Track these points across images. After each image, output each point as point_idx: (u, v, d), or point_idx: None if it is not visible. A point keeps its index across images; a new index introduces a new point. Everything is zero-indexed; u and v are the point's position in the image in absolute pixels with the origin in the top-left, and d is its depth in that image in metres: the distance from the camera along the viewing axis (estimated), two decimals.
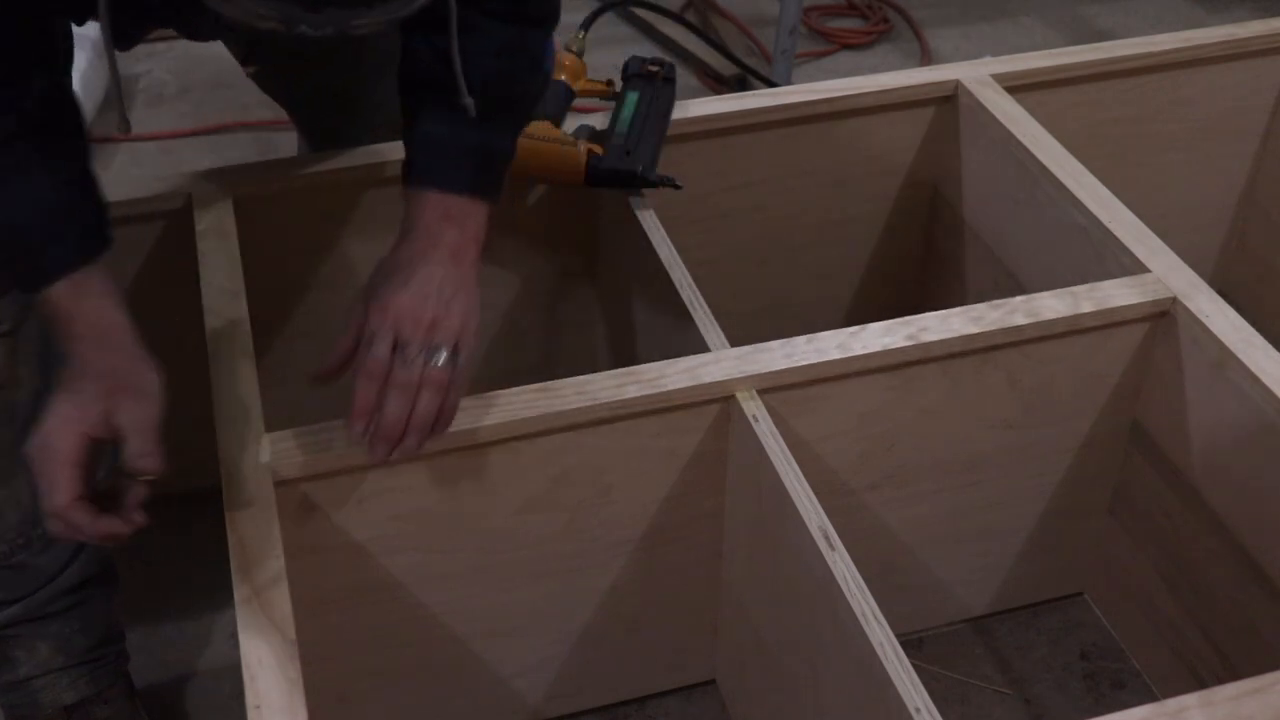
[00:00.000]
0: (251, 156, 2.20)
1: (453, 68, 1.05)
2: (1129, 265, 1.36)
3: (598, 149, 1.43)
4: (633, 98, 1.51)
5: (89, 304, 1.03)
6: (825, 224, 1.71)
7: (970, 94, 1.61)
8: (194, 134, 2.26)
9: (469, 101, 1.08)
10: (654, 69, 1.55)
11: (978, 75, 1.63)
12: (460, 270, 1.12)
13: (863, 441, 1.31)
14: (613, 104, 1.52)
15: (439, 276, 1.10)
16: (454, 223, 1.13)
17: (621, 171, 1.42)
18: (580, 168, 1.42)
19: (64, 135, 1.07)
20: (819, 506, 1.12)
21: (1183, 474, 1.36)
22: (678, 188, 1.43)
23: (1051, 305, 1.30)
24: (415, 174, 1.13)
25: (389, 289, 1.09)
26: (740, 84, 2.47)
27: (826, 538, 1.09)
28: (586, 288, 1.67)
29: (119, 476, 1.03)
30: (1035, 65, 1.66)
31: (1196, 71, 1.72)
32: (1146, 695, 1.47)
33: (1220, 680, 1.26)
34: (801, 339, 1.26)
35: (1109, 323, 1.32)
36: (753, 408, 1.20)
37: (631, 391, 1.19)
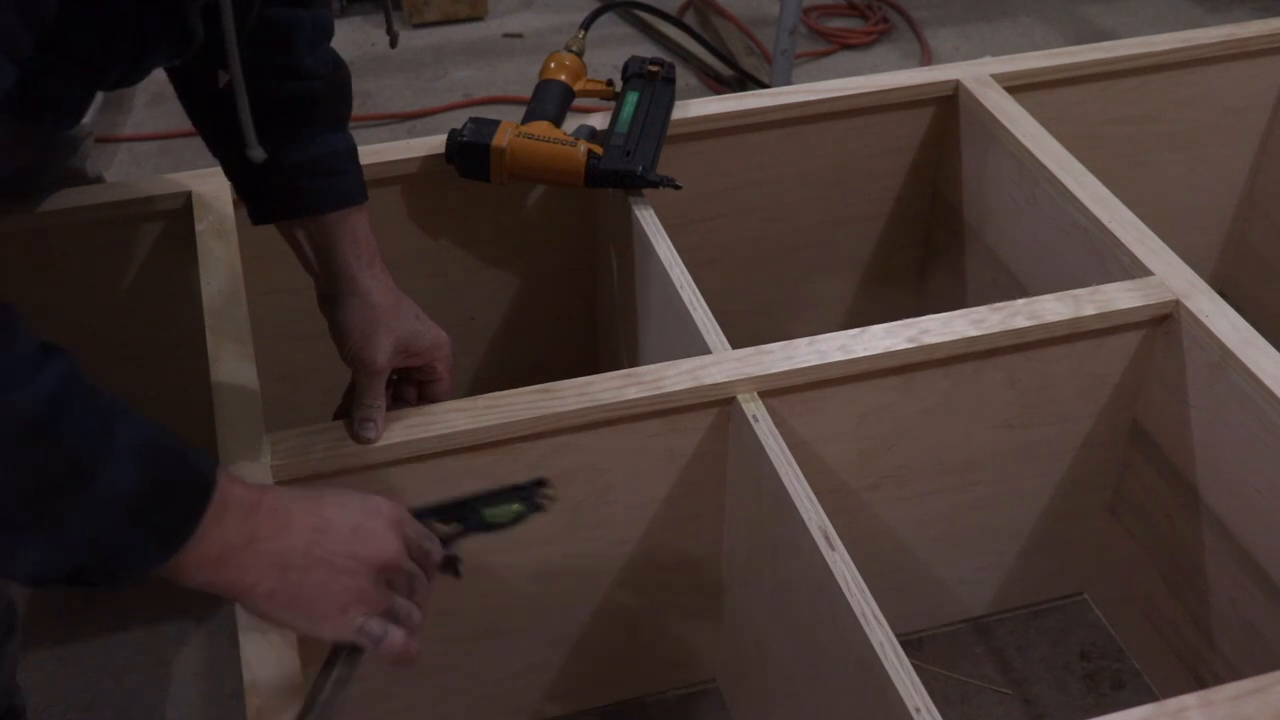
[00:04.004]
0: None
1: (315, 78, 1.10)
2: (1129, 265, 1.36)
3: (598, 149, 1.43)
4: (633, 98, 1.51)
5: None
6: (825, 224, 1.71)
7: (970, 94, 1.61)
8: (194, 134, 2.26)
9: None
10: (654, 69, 1.55)
11: (978, 75, 1.63)
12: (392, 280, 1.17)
13: (863, 442, 1.31)
14: (613, 104, 1.52)
15: (405, 302, 1.15)
16: (369, 234, 1.15)
17: (621, 172, 1.42)
18: (580, 168, 1.42)
19: None
20: (819, 506, 1.12)
21: (1183, 474, 1.36)
22: (678, 188, 1.43)
23: (1054, 308, 1.30)
24: (331, 196, 1.13)
25: (392, 334, 1.13)
26: (740, 84, 2.47)
27: (826, 538, 1.09)
28: (586, 288, 1.67)
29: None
30: (1035, 65, 1.66)
31: (1196, 71, 1.72)
32: (1146, 695, 1.47)
33: (1220, 680, 1.26)
34: (803, 341, 1.26)
35: (1111, 326, 1.32)
36: (753, 409, 1.20)
37: (632, 393, 1.19)
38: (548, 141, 1.42)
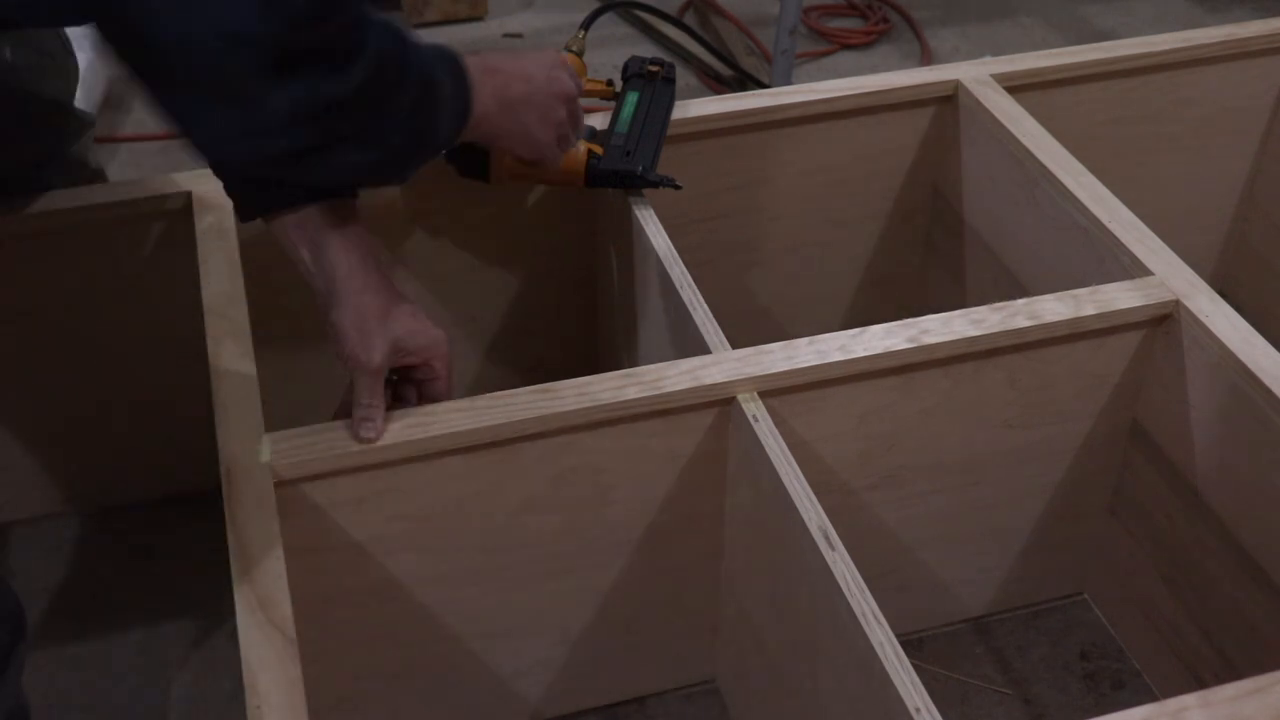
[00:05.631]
0: None
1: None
2: (1129, 265, 1.37)
3: (598, 149, 1.43)
4: (633, 98, 1.51)
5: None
6: (825, 224, 1.71)
7: (970, 94, 1.61)
8: None
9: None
10: (654, 69, 1.55)
11: (978, 75, 1.63)
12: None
13: (863, 442, 1.31)
14: (613, 104, 1.52)
15: (401, 300, 1.15)
16: (364, 233, 1.15)
17: (621, 172, 1.42)
18: (580, 168, 1.41)
19: None
20: (819, 506, 1.12)
21: (1183, 474, 1.36)
22: (678, 188, 1.43)
23: (1054, 308, 1.30)
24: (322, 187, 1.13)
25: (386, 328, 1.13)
26: (740, 84, 2.47)
27: (826, 538, 1.09)
28: (587, 288, 1.67)
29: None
30: (1035, 65, 1.66)
31: (1196, 71, 1.72)
32: (1146, 695, 1.47)
33: (1220, 680, 1.26)
34: (803, 341, 1.26)
35: (1111, 326, 1.32)
36: (753, 409, 1.20)
37: (632, 393, 1.19)
38: None
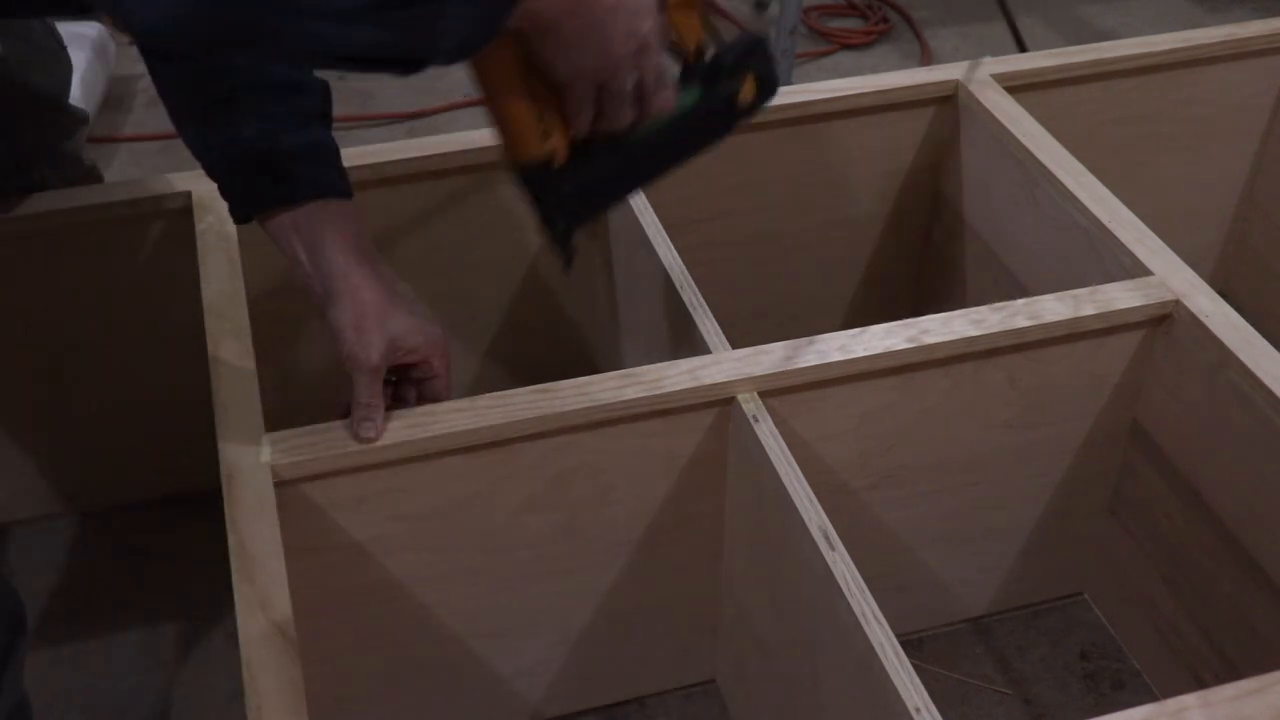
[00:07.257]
0: None
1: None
2: (1129, 265, 1.37)
3: (563, 153, 1.05)
4: (690, 97, 1.10)
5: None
6: (825, 224, 1.71)
7: (970, 94, 1.61)
8: None
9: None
10: (746, 101, 1.13)
11: (978, 75, 1.63)
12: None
13: (863, 442, 1.31)
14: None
15: (399, 298, 1.15)
16: (359, 231, 1.15)
17: (547, 203, 1.08)
18: (523, 154, 1.04)
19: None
20: (819, 506, 1.12)
21: (1183, 474, 1.36)
22: (568, 269, 1.15)
23: (1054, 308, 1.30)
24: (319, 184, 1.14)
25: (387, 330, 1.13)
26: None
27: (826, 538, 1.09)
28: (587, 288, 1.67)
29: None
30: (1035, 65, 1.66)
31: (1196, 71, 1.72)
32: (1146, 695, 1.47)
33: (1220, 680, 1.26)
34: (803, 341, 1.26)
35: (1111, 326, 1.32)
36: (753, 409, 1.20)
37: (632, 393, 1.19)
38: (526, 99, 1.00)
